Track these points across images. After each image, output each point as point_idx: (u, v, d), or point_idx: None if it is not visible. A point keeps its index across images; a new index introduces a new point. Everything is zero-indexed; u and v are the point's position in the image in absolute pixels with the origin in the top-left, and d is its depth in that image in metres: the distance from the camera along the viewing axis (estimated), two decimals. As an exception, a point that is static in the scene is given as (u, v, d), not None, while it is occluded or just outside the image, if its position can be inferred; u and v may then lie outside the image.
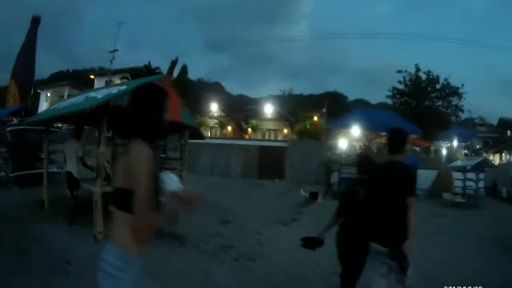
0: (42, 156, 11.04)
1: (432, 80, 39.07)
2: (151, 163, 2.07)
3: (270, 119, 40.68)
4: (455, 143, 34.86)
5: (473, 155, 32.46)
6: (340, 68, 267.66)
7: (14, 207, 8.79)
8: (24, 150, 12.89)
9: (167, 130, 2.47)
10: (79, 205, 8.20)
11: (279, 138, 38.12)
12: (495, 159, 41.56)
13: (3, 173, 11.97)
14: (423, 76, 39.30)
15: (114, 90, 8.05)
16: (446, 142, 34.83)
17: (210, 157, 28.66)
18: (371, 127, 23.18)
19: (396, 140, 4.04)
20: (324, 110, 39.12)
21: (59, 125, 15.60)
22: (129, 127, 2.27)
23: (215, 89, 63.68)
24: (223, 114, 39.90)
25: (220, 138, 34.69)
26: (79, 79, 51.91)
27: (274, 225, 10.72)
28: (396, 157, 3.95)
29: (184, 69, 38.15)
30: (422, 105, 37.65)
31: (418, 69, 39.32)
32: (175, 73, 36.71)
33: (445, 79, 38.78)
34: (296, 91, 73.37)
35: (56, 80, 57.15)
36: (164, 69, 39.51)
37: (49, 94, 45.66)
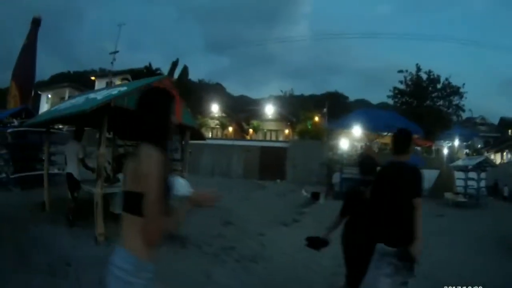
0: (43, 158, 11.01)
1: (433, 79, 38.96)
2: (162, 166, 2.03)
3: (271, 120, 40.76)
4: (456, 142, 34.84)
5: (474, 154, 32.41)
6: (341, 69, 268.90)
7: (15, 209, 8.78)
8: (25, 151, 12.88)
9: (174, 132, 2.44)
10: (80, 206, 8.17)
11: (280, 138, 38.19)
12: (496, 158, 41.58)
13: (3, 175, 11.97)
14: (424, 76, 39.21)
15: (114, 91, 8.03)
16: (447, 142, 34.80)
17: (211, 158, 28.69)
18: (372, 127, 23.07)
19: (401, 141, 4.04)
20: (325, 110, 39.19)
21: (60, 126, 15.57)
22: (138, 131, 2.25)
23: (216, 90, 63.80)
24: (224, 115, 39.98)
25: (221, 139, 34.74)
26: (80, 81, 51.98)
27: (276, 226, 10.68)
28: (401, 157, 3.94)
29: (185, 70, 38.11)
30: (423, 104, 37.55)
31: (419, 69, 39.24)
32: (176, 74, 36.65)
33: (446, 79, 38.71)
34: (297, 92, 73.54)
35: (56, 81, 57.37)
36: (165, 70, 39.44)
37: (49, 96, 45.75)
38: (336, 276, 6.09)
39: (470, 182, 20.67)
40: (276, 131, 40.69)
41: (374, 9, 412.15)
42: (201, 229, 8.28)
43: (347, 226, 4.49)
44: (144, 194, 1.97)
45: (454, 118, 39.96)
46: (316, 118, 37.85)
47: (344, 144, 26.82)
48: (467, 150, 36.35)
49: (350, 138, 26.60)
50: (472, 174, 20.75)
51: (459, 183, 21.67)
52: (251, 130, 39.98)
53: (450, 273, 6.55)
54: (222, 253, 7.14)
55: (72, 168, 8.29)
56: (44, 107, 40.98)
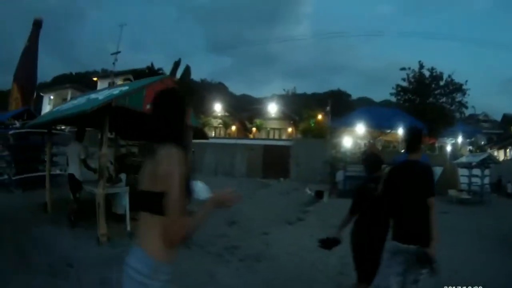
0: (45, 159, 10.99)
1: (436, 77, 38.84)
2: (183, 165, 2.01)
3: (274, 118, 40.76)
4: (459, 139, 34.76)
5: (478, 151, 32.31)
6: (343, 67, 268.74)
7: (16, 210, 8.79)
8: (27, 153, 12.85)
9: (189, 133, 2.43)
10: (81, 207, 8.13)
11: (284, 137, 38.15)
12: (500, 155, 41.46)
13: (5, 176, 11.95)
14: (427, 73, 39.11)
15: (115, 91, 8.00)
16: (450, 139, 34.71)
17: (214, 157, 28.66)
18: (375, 125, 23.09)
19: (413, 139, 4.04)
20: (328, 108, 39.08)
21: (63, 127, 15.54)
22: (156, 132, 2.21)
23: (219, 89, 63.83)
24: (227, 114, 39.93)
25: (224, 138, 34.69)
26: (82, 82, 52.02)
27: (280, 224, 10.61)
28: (414, 156, 3.96)
29: (187, 69, 37.94)
30: (426, 102, 37.45)
31: (421, 66, 39.12)
32: (178, 74, 36.57)
33: (449, 76, 38.60)
34: (300, 90, 73.77)
35: (59, 83, 57.43)
36: (167, 70, 39.18)
37: (52, 97, 45.80)
38: (342, 275, 6.05)
39: (474, 179, 20.61)
40: (279, 129, 40.67)
41: (376, 8, 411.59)
42: (204, 228, 8.23)
43: (357, 223, 4.42)
44: (165, 193, 1.93)
45: (457, 115, 39.88)
46: (319, 117, 37.79)
47: (347, 142, 26.76)
48: (470, 147, 36.22)
49: (354, 136, 26.58)
50: (476, 171, 20.68)
51: (463, 180, 21.62)
52: (254, 129, 39.93)
53: (451, 272, 6.43)
54: (226, 253, 7.11)
55: (74, 169, 8.25)
56: (46, 108, 40.99)
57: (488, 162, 21.07)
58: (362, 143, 27.24)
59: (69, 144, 8.86)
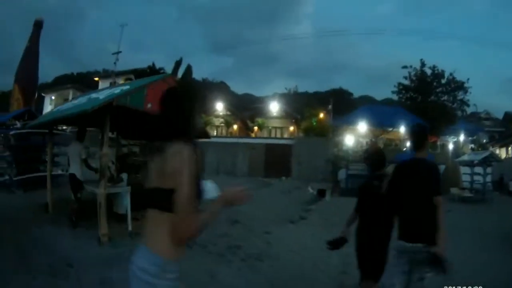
0: (46, 159, 10.97)
1: (437, 75, 38.64)
2: (194, 161, 1.97)
3: (276, 117, 40.83)
4: (461, 137, 34.70)
5: (480, 149, 32.24)
6: (345, 66, 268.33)
7: (18, 211, 8.77)
8: (28, 153, 12.82)
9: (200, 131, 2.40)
10: (83, 207, 8.11)
11: (285, 135, 38.14)
12: (501, 153, 41.36)
13: (6, 177, 11.94)
14: (428, 71, 38.98)
15: (116, 90, 7.98)
16: (452, 137, 34.65)
17: (216, 156, 28.65)
18: (377, 123, 23.01)
19: (419, 136, 4.04)
20: (330, 107, 39.07)
21: (64, 127, 15.53)
22: (166, 129, 2.17)
23: (220, 88, 63.93)
24: (228, 113, 39.98)
25: (226, 137, 34.71)
26: (83, 82, 52.06)
27: (282, 223, 10.59)
28: (420, 153, 3.94)
29: (188, 69, 37.91)
30: (427, 100, 37.31)
31: (423, 64, 38.91)
32: (180, 74, 36.56)
33: (450, 74, 38.41)
34: (301, 89, 73.66)
35: (60, 83, 57.43)
36: (169, 69, 38.98)
37: (53, 98, 45.85)
38: (344, 274, 6.03)
39: (476, 177, 20.55)
40: (281, 128, 40.73)
41: (377, 7, 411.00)
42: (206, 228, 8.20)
43: (361, 222, 4.39)
44: (175, 189, 1.89)
45: (459, 113, 39.75)
46: (321, 115, 37.79)
47: (349, 140, 26.70)
48: (472, 145, 36.15)
49: (355, 135, 26.51)
50: (478, 169, 20.62)
51: (465, 178, 21.56)
52: (256, 128, 39.94)
53: (451, 272, 6.40)
54: (228, 252, 7.07)
55: (75, 168, 8.23)
56: (47, 109, 41.00)
57: (490, 160, 21.02)
58: (364, 141, 27.22)
59: (70, 144, 8.85)
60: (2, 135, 12.71)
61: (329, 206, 14.33)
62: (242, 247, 7.48)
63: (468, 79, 38.07)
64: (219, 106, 39.24)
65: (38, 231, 7.16)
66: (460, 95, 38.51)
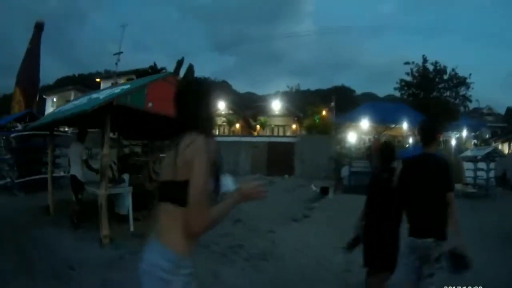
0: (47, 161, 10.95)
1: (440, 70, 38.55)
2: (208, 151, 1.93)
3: (278, 115, 40.84)
4: (464, 133, 34.62)
5: (482, 145, 32.13)
6: (347, 63, 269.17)
7: (19, 213, 8.79)
8: (29, 155, 12.81)
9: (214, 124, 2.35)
10: (84, 208, 8.11)
11: (288, 133, 38.10)
12: (504, 148, 41.25)
13: (8, 180, 11.92)
14: (431, 67, 38.90)
15: (117, 90, 7.94)
16: (455, 133, 34.54)
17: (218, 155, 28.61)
18: (380, 120, 22.93)
19: (428, 131, 4.04)
20: (332, 104, 38.96)
21: (66, 129, 15.51)
22: (181, 120, 2.15)
23: (222, 87, 63.95)
24: (230, 112, 39.94)
25: (228, 135, 34.69)
26: (85, 83, 52.10)
27: (286, 222, 10.52)
28: (429, 149, 3.94)
29: (190, 68, 37.89)
30: (430, 96, 37.25)
31: (425, 60, 38.82)
32: (182, 73, 36.53)
33: (453, 69, 38.33)
34: (303, 87, 73.75)
35: (62, 85, 57.46)
36: (170, 69, 39.02)
37: (55, 100, 45.85)
38: (348, 272, 5.96)
39: (479, 173, 20.44)
40: (283, 126, 40.69)
41: (379, 4, 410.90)
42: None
43: (369, 217, 4.33)
44: (189, 181, 1.85)
45: (461, 109, 39.65)
46: (324, 113, 37.74)
47: (352, 137, 26.63)
48: (475, 141, 36.05)
49: (358, 132, 26.43)
50: (481, 165, 20.50)
51: (468, 173, 21.46)
52: (258, 126, 39.92)
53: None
54: (230, 252, 7.02)
55: (76, 170, 8.20)
56: (49, 111, 40.83)
57: (494, 156, 20.91)
58: (366, 138, 27.14)
59: (71, 145, 8.82)
60: (3, 137, 12.69)
61: (332, 204, 14.28)
62: (245, 246, 7.42)
63: (470, 74, 37.96)
64: (221, 105, 39.22)
65: (39, 233, 7.13)
66: (462, 90, 38.40)
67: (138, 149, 12.46)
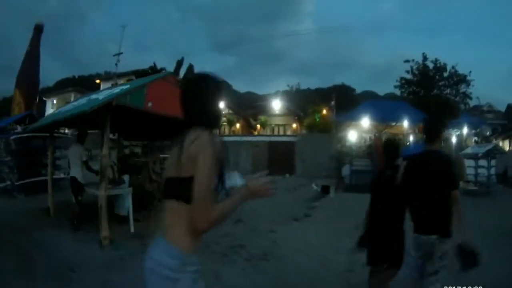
0: (48, 163, 10.93)
1: (440, 68, 38.60)
2: (213, 146, 1.88)
3: (279, 115, 40.87)
4: (465, 130, 34.59)
5: (483, 142, 32.11)
6: (347, 62, 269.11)
7: (19, 215, 8.78)
8: (29, 157, 12.79)
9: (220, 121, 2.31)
10: (84, 210, 8.10)
11: (288, 133, 38.08)
12: (505, 145, 41.21)
13: (8, 182, 11.91)
14: (431, 65, 38.92)
15: (116, 90, 7.93)
16: (455, 130, 34.51)
17: (218, 155, 28.61)
18: (380, 118, 22.92)
19: (433, 128, 4.05)
20: (332, 103, 38.96)
21: (67, 131, 15.50)
22: (187, 116, 2.11)
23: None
24: (231, 111, 39.92)
25: (228, 135, 34.68)
26: (85, 85, 52.12)
27: (287, 221, 10.49)
28: (434, 146, 3.94)
29: (190, 68, 37.87)
30: (430, 94, 37.27)
31: (425, 58, 38.89)
32: (182, 73, 36.51)
33: (453, 67, 38.38)
34: (304, 86, 73.72)
35: (62, 87, 57.49)
36: (170, 69, 39.05)
37: (55, 101, 45.87)
38: (351, 272, 5.93)
39: (480, 170, 20.39)
40: (284, 125, 40.69)
41: (379, 3, 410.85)
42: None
43: (374, 214, 4.31)
44: (194, 177, 1.81)
45: (462, 106, 39.63)
46: (324, 111, 37.75)
47: (352, 136, 26.61)
48: (475, 138, 36.02)
49: (359, 130, 26.41)
50: (482, 162, 20.46)
51: (469, 171, 21.41)
52: (258, 126, 39.93)
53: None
54: (231, 252, 6.99)
55: (76, 171, 8.19)
56: (49, 113, 41.09)
57: (495, 153, 20.87)
58: (367, 136, 27.12)
59: (70, 146, 8.79)
60: (3, 139, 12.66)
61: (334, 203, 14.25)
62: (246, 246, 7.39)
63: (470, 71, 37.98)
64: (222, 105, 39.21)
65: (39, 235, 7.11)
66: (462, 88, 38.43)
67: (138, 150, 12.45)
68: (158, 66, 41.47)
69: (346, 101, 48.72)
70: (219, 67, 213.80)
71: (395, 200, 3.98)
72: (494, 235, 9.28)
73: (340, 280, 5.76)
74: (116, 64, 34.82)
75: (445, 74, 38.33)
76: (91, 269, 5.50)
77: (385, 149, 4.48)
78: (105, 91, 8.76)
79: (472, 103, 41.90)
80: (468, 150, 22.98)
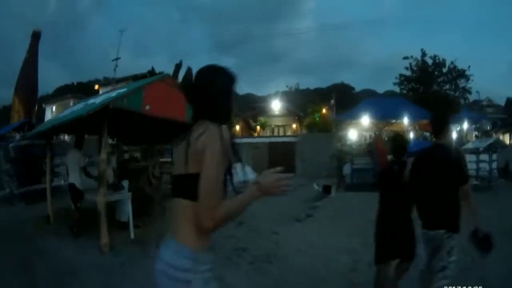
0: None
1: (439, 64, 38.70)
2: (223, 143, 1.80)
3: (279, 115, 40.94)
4: (465, 125, 34.58)
5: (484, 137, 32.09)
6: (346, 61, 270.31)
7: (19, 223, 8.77)
8: (28, 165, 12.72)
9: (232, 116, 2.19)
10: (84, 216, 8.03)
11: (288, 133, 38.07)
12: (505, 139, 41.18)
13: (7, 190, 11.87)
14: (430, 61, 38.99)
15: (113, 94, 7.87)
16: (456, 125, 34.50)
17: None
18: (380, 116, 22.85)
19: (440, 121, 4.00)
20: (332, 102, 38.99)
21: (67, 137, 15.48)
22: (198, 108, 2.01)
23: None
24: (230, 112, 40.03)
25: (228, 137, 34.73)
26: (84, 91, 52.17)
27: (289, 222, 10.42)
28: (441, 139, 3.91)
29: (188, 72, 37.57)
30: (429, 90, 37.33)
31: (424, 54, 38.99)
32: (180, 77, 36.55)
33: (452, 62, 38.48)
34: (303, 86, 73.83)
35: (61, 94, 57.63)
36: (169, 73, 39.45)
37: (54, 108, 45.88)
38: (354, 271, 5.89)
39: (481, 165, 20.31)
40: (283, 126, 40.72)
41: (377, 1, 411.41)
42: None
43: (383, 211, 4.26)
44: (200, 172, 1.74)
45: (462, 101, 39.65)
46: (324, 111, 37.76)
47: (352, 134, 26.56)
48: (476, 133, 36.00)
49: (359, 128, 26.36)
50: (484, 156, 20.38)
51: (471, 166, 21.34)
52: (258, 127, 39.93)
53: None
54: (235, 255, 6.93)
55: (74, 177, 8.11)
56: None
57: (496, 147, 20.86)
58: (367, 135, 27.07)
59: (68, 152, 8.74)
60: (2, 148, 12.62)
61: (335, 202, 14.17)
62: (249, 249, 7.32)
63: (469, 66, 38.02)
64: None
65: (39, 243, 7.09)
66: (462, 83, 38.47)
67: (138, 155, 12.42)
68: (158, 70, 41.63)
69: (346, 100, 48.80)
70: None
71: (403, 195, 3.98)
72: (498, 231, 9.20)
73: (343, 280, 5.70)
74: (114, 70, 34.89)
75: (444, 70, 38.40)
76: (91, 276, 5.48)
77: (393, 145, 4.47)
78: (102, 96, 8.73)
79: (471, 97, 41.98)
80: (469, 145, 22.99)
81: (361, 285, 5.15)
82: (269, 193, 1.85)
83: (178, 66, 38.09)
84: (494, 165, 20.35)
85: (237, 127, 39.76)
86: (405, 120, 22.72)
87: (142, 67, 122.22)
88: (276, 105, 40.70)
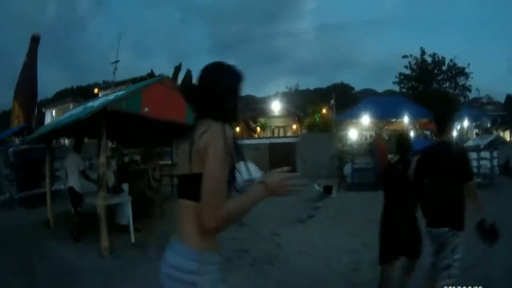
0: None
1: (438, 62, 38.71)
2: (226, 141, 1.75)
3: (279, 116, 40.87)
4: (465, 123, 34.56)
5: (484, 134, 32.07)
6: (345, 61, 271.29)
7: (19, 228, 8.77)
8: (28, 169, 12.70)
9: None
10: (84, 220, 8.02)
11: (289, 134, 38.03)
12: (505, 136, 41.14)
13: (7, 195, 11.84)
14: (429, 59, 39.00)
15: (111, 97, 7.86)
16: (456, 123, 34.45)
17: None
18: (380, 115, 22.83)
19: (444, 118, 4.00)
20: (332, 102, 38.99)
21: (67, 141, 15.47)
22: (201, 106, 1.96)
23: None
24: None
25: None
26: (84, 95, 52.21)
27: (291, 223, 10.38)
28: (444, 137, 3.92)
29: (188, 74, 37.90)
30: (429, 88, 37.33)
31: (423, 52, 39.00)
32: (180, 79, 36.52)
33: (451, 60, 38.48)
34: (302, 86, 73.80)
35: (61, 98, 57.67)
36: (169, 75, 39.44)
37: (54, 113, 45.88)
38: (356, 271, 5.87)
39: (482, 162, 20.26)
40: (283, 127, 40.66)
41: (376, 1, 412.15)
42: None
43: (388, 209, 4.24)
44: (204, 172, 1.71)
45: (461, 99, 39.63)
46: (324, 111, 37.72)
47: (353, 134, 26.54)
48: (476, 130, 35.97)
49: (359, 128, 26.35)
50: (484, 154, 20.34)
51: (472, 163, 21.28)
52: (258, 129, 39.88)
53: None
54: (236, 256, 6.89)
55: (73, 181, 8.10)
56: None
57: (497, 144, 20.83)
58: (368, 134, 27.06)
59: (67, 156, 8.72)
60: (1, 152, 12.61)
61: (336, 202, 14.13)
62: (250, 250, 7.29)
63: (469, 64, 38.01)
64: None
65: (39, 247, 7.09)
66: (461, 81, 38.46)
67: (137, 157, 12.40)
68: (157, 72, 41.55)
69: (346, 99, 48.88)
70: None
71: (408, 194, 3.98)
72: (501, 229, 9.15)
73: (344, 280, 5.67)
74: (113, 73, 34.86)
75: (444, 68, 38.39)
76: (92, 279, 5.48)
77: (397, 144, 4.47)
78: (101, 99, 8.72)
79: (471, 95, 41.97)
80: (470, 143, 22.93)
81: (363, 285, 5.15)
82: (275, 193, 1.81)
83: (177, 69, 38.12)
84: (495, 162, 20.32)
85: (237, 129, 39.77)
86: (405, 119, 22.69)
87: (141, 70, 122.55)
88: (276, 106, 40.62)
